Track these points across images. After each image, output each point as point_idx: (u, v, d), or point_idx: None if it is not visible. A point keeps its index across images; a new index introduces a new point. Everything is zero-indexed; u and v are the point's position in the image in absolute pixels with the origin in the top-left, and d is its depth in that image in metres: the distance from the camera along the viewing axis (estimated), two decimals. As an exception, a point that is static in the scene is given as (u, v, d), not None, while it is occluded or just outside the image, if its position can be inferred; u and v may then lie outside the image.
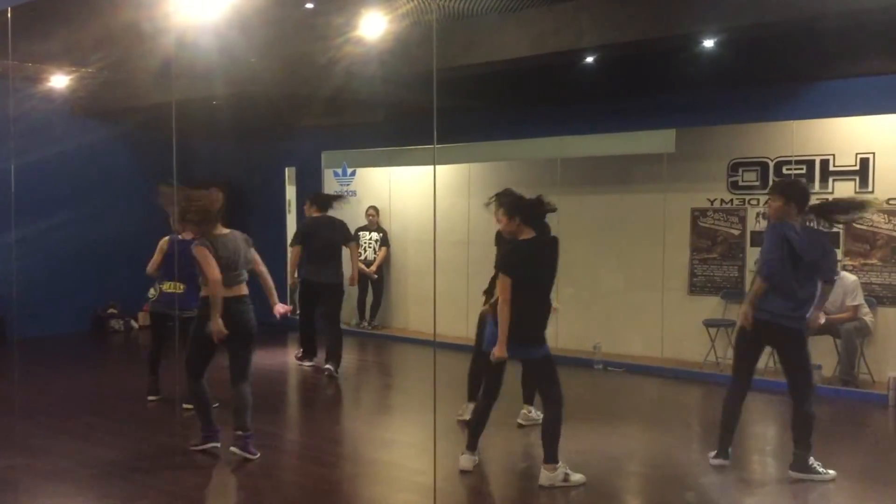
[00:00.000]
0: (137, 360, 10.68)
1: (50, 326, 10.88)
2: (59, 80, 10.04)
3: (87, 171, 11.78)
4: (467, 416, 6.85)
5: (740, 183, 9.37)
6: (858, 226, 8.62)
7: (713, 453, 5.94)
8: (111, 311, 12.04)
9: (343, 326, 12.12)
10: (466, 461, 5.86)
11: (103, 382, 8.91)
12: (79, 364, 10.12)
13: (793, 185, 6.13)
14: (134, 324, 12.16)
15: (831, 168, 8.82)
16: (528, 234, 5.67)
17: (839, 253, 8.67)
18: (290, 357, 9.90)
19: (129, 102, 10.74)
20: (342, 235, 9.43)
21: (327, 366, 9.14)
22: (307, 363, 9.71)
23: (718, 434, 5.94)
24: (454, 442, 6.69)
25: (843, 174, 8.75)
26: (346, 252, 9.54)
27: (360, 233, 12.10)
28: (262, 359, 9.78)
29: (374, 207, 12.13)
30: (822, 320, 6.66)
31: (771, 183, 9.02)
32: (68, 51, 8.28)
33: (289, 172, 12.96)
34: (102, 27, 7.15)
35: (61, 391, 8.32)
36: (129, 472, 5.86)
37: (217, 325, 5.91)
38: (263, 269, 6.50)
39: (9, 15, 5.49)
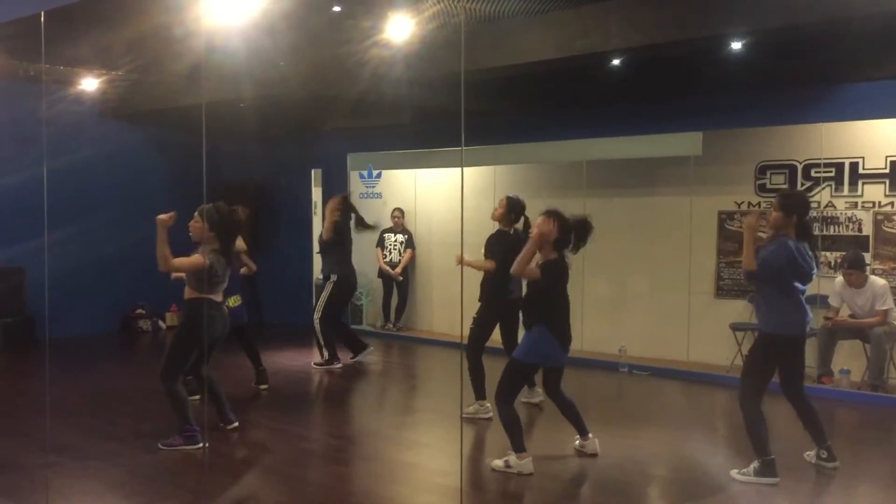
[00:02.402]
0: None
1: (80, 327, 10.99)
2: (90, 83, 10.15)
3: (117, 174, 11.88)
4: (482, 414, 7.22)
5: (768, 186, 9.31)
6: (888, 229, 8.54)
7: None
8: (139, 311, 12.15)
9: (368, 328, 12.27)
10: (527, 464, 5.89)
11: (132, 382, 8.99)
12: (108, 364, 10.23)
13: (794, 196, 6.19)
14: (162, 324, 12.26)
15: (861, 171, 8.75)
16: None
17: (868, 257, 8.60)
18: (312, 359, 9.88)
19: (158, 105, 10.83)
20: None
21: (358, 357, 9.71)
22: (337, 365, 9.69)
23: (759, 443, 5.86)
24: (479, 444, 6.71)
25: (873, 177, 8.68)
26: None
27: (386, 235, 12.14)
28: (285, 360, 9.84)
29: (399, 209, 12.16)
30: None
31: (799, 186, 9.00)
32: (99, 54, 8.37)
33: (315, 174, 13.02)
34: (132, 31, 7.22)
35: (91, 391, 8.41)
36: (156, 471, 5.92)
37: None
38: None
39: (41, 19, 5.56)
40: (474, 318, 7.41)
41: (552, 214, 5.98)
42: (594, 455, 6.27)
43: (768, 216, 6.04)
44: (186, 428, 6.35)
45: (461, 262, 6.75)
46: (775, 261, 5.73)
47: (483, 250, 7.51)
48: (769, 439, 5.75)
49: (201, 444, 6.35)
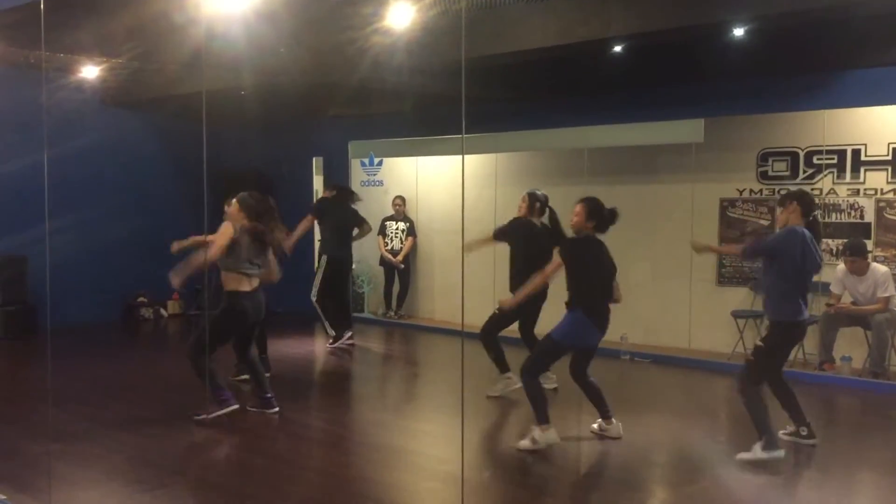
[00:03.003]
0: (167, 348, 10.83)
1: (81, 315, 11.01)
2: (90, 71, 10.12)
3: (118, 161, 11.88)
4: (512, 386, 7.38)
5: (770, 173, 9.30)
6: (890, 216, 8.53)
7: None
8: (141, 299, 12.17)
9: (370, 315, 12.31)
10: (552, 434, 5.99)
11: (134, 370, 9.01)
12: (110, 352, 10.24)
13: (795, 193, 6.22)
14: (163, 312, 12.28)
15: (863, 158, 8.73)
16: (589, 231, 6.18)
17: (870, 244, 8.60)
18: (316, 345, 9.93)
19: (159, 92, 10.80)
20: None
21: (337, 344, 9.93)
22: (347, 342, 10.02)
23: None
24: (482, 431, 6.72)
25: (875, 164, 8.66)
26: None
27: (387, 222, 12.13)
28: (288, 347, 9.86)
29: (400, 197, 12.15)
30: None
31: (801, 173, 9.00)
32: (99, 41, 8.34)
33: (316, 162, 13.00)
34: (133, 17, 7.20)
35: (93, 379, 8.42)
36: (158, 458, 5.93)
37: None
38: None
39: (41, 6, 5.54)
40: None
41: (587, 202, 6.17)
42: (617, 438, 6.33)
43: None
44: (218, 393, 6.57)
45: (467, 249, 6.95)
46: (782, 242, 5.82)
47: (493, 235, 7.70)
48: (768, 415, 5.82)
49: (236, 406, 6.61)
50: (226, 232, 6.54)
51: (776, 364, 6.05)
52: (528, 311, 7.42)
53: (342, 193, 10.29)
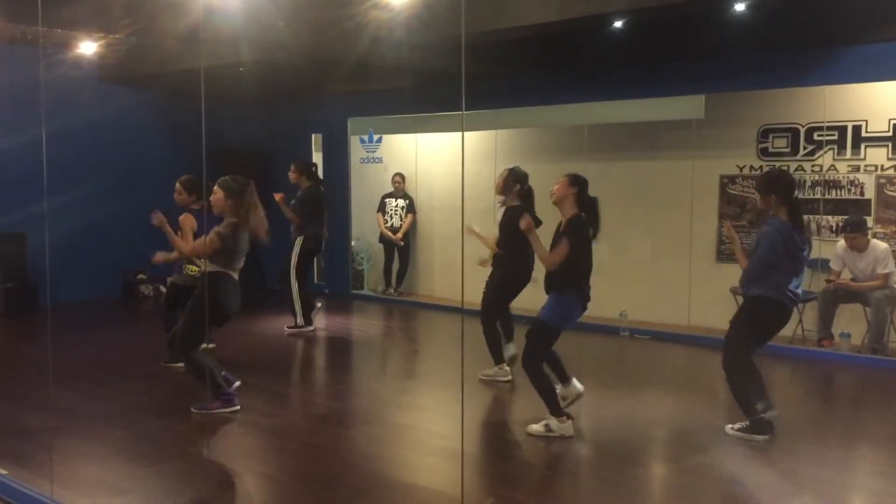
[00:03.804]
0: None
1: (81, 292, 11.02)
2: (88, 47, 10.07)
3: (116, 138, 11.83)
4: (500, 377, 7.30)
5: (770, 149, 9.28)
6: (890, 192, 8.52)
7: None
8: (140, 276, 12.17)
9: (369, 293, 12.31)
10: (569, 427, 5.88)
11: (133, 347, 9.03)
12: (110, 329, 10.26)
13: (769, 174, 6.19)
14: (163, 289, 12.26)
15: (863, 134, 8.70)
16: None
17: (870, 220, 8.59)
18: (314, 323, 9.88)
19: (157, 69, 10.74)
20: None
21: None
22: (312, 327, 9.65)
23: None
24: (481, 407, 6.74)
25: (876, 140, 8.64)
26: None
27: (387, 199, 12.12)
28: (286, 324, 9.83)
29: (400, 174, 12.13)
30: None
31: (801, 149, 8.98)
32: (97, 17, 8.29)
33: (315, 139, 12.97)
34: (130, -7, 7.15)
35: (93, 356, 8.43)
36: (159, 434, 5.96)
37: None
38: None
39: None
40: (488, 282, 7.40)
41: (571, 178, 6.01)
42: (579, 397, 6.34)
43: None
44: (222, 392, 6.38)
45: (470, 232, 6.94)
46: (770, 250, 5.77)
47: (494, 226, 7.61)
48: (760, 398, 5.80)
49: (238, 407, 6.40)
50: (191, 224, 6.48)
51: (751, 341, 5.93)
52: (514, 287, 7.34)
53: (311, 173, 9.78)
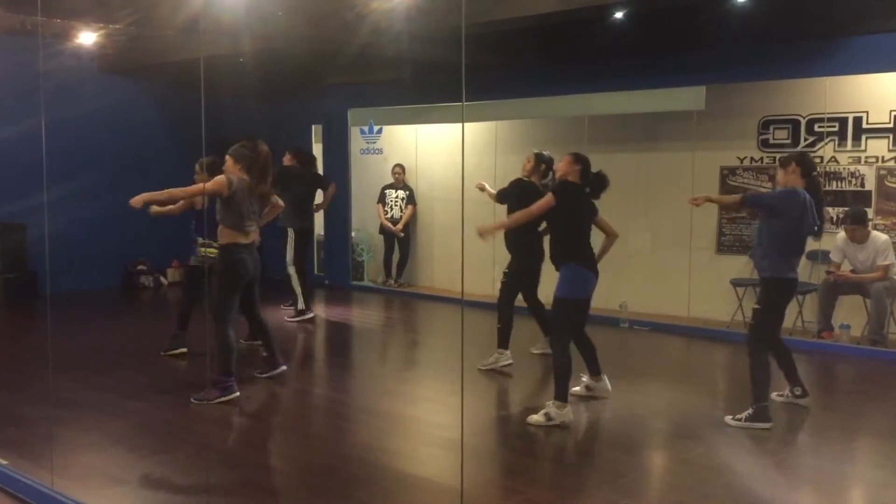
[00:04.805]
0: (166, 316, 10.83)
1: (81, 282, 11.02)
2: (87, 37, 10.04)
3: (115, 129, 11.81)
4: (503, 362, 7.41)
5: (771, 141, 9.27)
6: (891, 184, 8.52)
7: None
8: (140, 267, 12.17)
9: (370, 284, 12.31)
10: (568, 413, 5.91)
11: (134, 337, 9.03)
12: (110, 319, 10.27)
13: (793, 154, 6.31)
14: (163, 280, 12.28)
15: (864, 125, 8.69)
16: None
17: (870, 212, 8.59)
18: (313, 312, 9.88)
19: (156, 59, 10.72)
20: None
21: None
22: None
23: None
24: (481, 398, 6.74)
25: (877, 131, 8.63)
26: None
27: (387, 191, 12.12)
28: (286, 313, 9.83)
29: (400, 165, 12.12)
30: None
31: (802, 141, 8.97)
32: (96, 7, 8.27)
33: (315, 130, 12.95)
34: (130, -17, 7.13)
35: (93, 346, 8.44)
36: (159, 424, 5.96)
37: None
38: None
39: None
40: (505, 272, 7.55)
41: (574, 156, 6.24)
42: (603, 396, 6.48)
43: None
44: (222, 379, 6.38)
45: (481, 188, 7.83)
46: (783, 199, 5.87)
47: (495, 199, 7.85)
48: (769, 386, 5.88)
49: (237, 394, 6.43)
50: (221, 181, 6.39)
51: (776, 322, 6.09)
52: (529, 271, 7.45)
53: (305, 160, 9.91)
